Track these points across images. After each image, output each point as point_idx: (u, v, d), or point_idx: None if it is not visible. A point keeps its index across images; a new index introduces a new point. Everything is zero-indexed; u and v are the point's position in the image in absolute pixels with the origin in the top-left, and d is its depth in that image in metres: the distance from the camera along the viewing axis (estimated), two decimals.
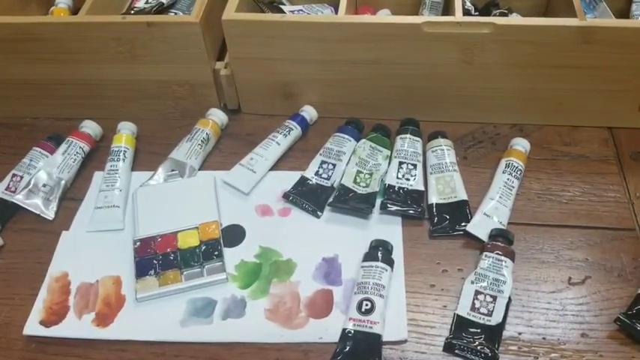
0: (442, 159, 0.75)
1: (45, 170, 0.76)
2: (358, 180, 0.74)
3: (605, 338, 0.61)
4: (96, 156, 0.81)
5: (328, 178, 0.75)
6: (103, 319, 0.64)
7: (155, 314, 0.64)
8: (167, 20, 0.76)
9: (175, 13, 0.87)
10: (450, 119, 0.82)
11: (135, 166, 0.79)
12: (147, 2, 0.87)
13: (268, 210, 0.74)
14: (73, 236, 0.72)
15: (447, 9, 0.86)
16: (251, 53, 0.78)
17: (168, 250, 0.68)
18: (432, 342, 0.61)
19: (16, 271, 0.69)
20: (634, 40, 0.71)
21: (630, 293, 0.64)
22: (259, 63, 0.79)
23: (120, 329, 0.63)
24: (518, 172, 0.74)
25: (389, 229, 0.71)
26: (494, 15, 0.84)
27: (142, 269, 0.67)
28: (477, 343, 0.60)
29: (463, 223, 0.70)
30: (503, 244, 0.66)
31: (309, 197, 0.74)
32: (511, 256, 0.65)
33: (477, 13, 0.86)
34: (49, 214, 0.74)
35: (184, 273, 0.67)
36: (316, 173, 0.76)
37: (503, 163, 0.75)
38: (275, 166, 0.78)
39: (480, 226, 0.69)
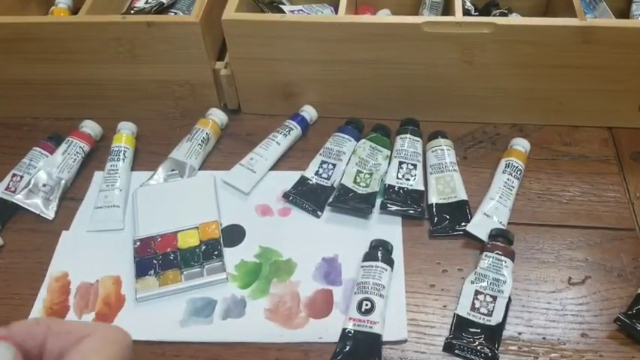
0: (442, 159, 0.75)
1: (45, 170, 0.76)
2: (358, 180, 0.74)
3: (605, 338, 0.61)
4: (96, 156, 0.81)
5: (328, 178, 0.75)
6: (103, 319, 0.64)
7: (155, 314, 0.64)
8: (167, 20, 0.76)
9: (175, 13, 0.87)
10: (450, 119, 0.82)
11: (135, 166, 0.79)
12: (147, 2, 0.87)
13: (268, 210, 0.74)
14: (73, 236, 0.72)
15: (447, 9, 0.86)
16: (251, 53, 0.78)
17: (168, 250, 0.68)
18: (432, 342, 0.61)
19: (16, 270, 0.69)
20: (634, 40, 0.71)
21: (630, 293, 0.64)
22: (259, 63, 0.79)
23: None
24: (518, 172, 0.74)
25: (389, 229, 0.71)
26: (494, 15, 0.84)
27: (141, 269, 0.67)
28: (476, 343, 0.60)
29: (463, 223, 0.70)
30: (503, 244, 0.66)
31: (309, 197, 0.74)
32: (511, 256, 0.65)
33: (477, 13, 0.86)
34: (49, 213, 0.74)
35: (184, 273, 0.67)
36: (316, 173, 0.76)
37: (503, 163, 0.75)
38: (275, 166, 0.78)
39: (479, 226, 0.69)
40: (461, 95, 0.80)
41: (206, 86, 0.82)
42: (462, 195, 0.72)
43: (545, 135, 0.81)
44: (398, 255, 0.67)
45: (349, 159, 0.77)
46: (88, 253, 0.70)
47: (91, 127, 0.81)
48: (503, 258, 0.65)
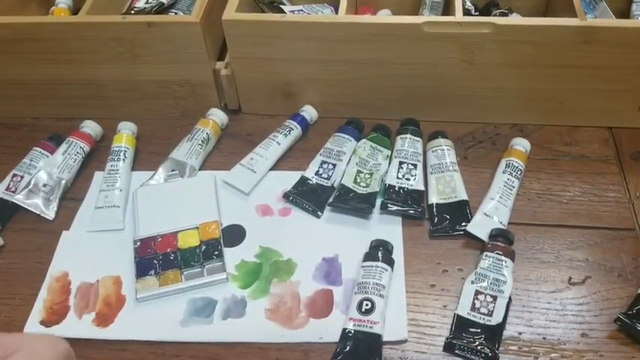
0: (442, 159, 0.75)
1: (45, 170, 0.76)
2: (358, 180, 0.74)
3: (605, 338, 0.61)
4: (96, 156, 0.81)
5: (328, 178, 0.75)
6: (103, 319, 0.64)
7: (155, 314, 0.64)
8: (167, 20, 0.76)
9: (175, 13, 0.87)
10: (450, 119, 0.82)
11: (135, 166, 0.79)
12: (147, 2, 0.87)
13: (268, 210, 0.74)
14: (74, 236, 0.72)
15: (447, 9, 0.86)
16: (251, 53, 0.78)
17: (169, 250, 0.68)
18: (432, 342, 0.61)
19: (17, 271, 0.69)
20: (634, 40, 0.71)
21: (630, 293, 0.64)
22: (259, 63, 0.79)
23: (120, 329, 0.63)
24: (519, 172, 0.74)
25: (389, 229, 0.71)
26: (495, 15, 0.84)
27: (142, 269, 0.67)
28: (477, 343, 0.60)
29: (463, 223, 0.70)
30: (503, 244, 0.66)
31: (309, 197, 0.74)
32: (511, 256, 0.65)
33: (477, 13, 0.86)
34: (50, 214, 0.74)
35: (184, 273, 0.67)
36: (316, 173, 0.76)
37: (503, 163, 0.75)
38: (275, 166, 0.78)
39: (480, 226, 0.69)
40: (461, 95, 0.80)
41: (206, 86, 0.82)
42: (463, 195, 0.72)
43: (546, 135, 0.81)
44: (398, 255, 0.67)
45: (349, 159, 0.77)
46: (89, 253, 0.70)
47: (91, 127, 0.81)
48: (503, 258, 0.65)
